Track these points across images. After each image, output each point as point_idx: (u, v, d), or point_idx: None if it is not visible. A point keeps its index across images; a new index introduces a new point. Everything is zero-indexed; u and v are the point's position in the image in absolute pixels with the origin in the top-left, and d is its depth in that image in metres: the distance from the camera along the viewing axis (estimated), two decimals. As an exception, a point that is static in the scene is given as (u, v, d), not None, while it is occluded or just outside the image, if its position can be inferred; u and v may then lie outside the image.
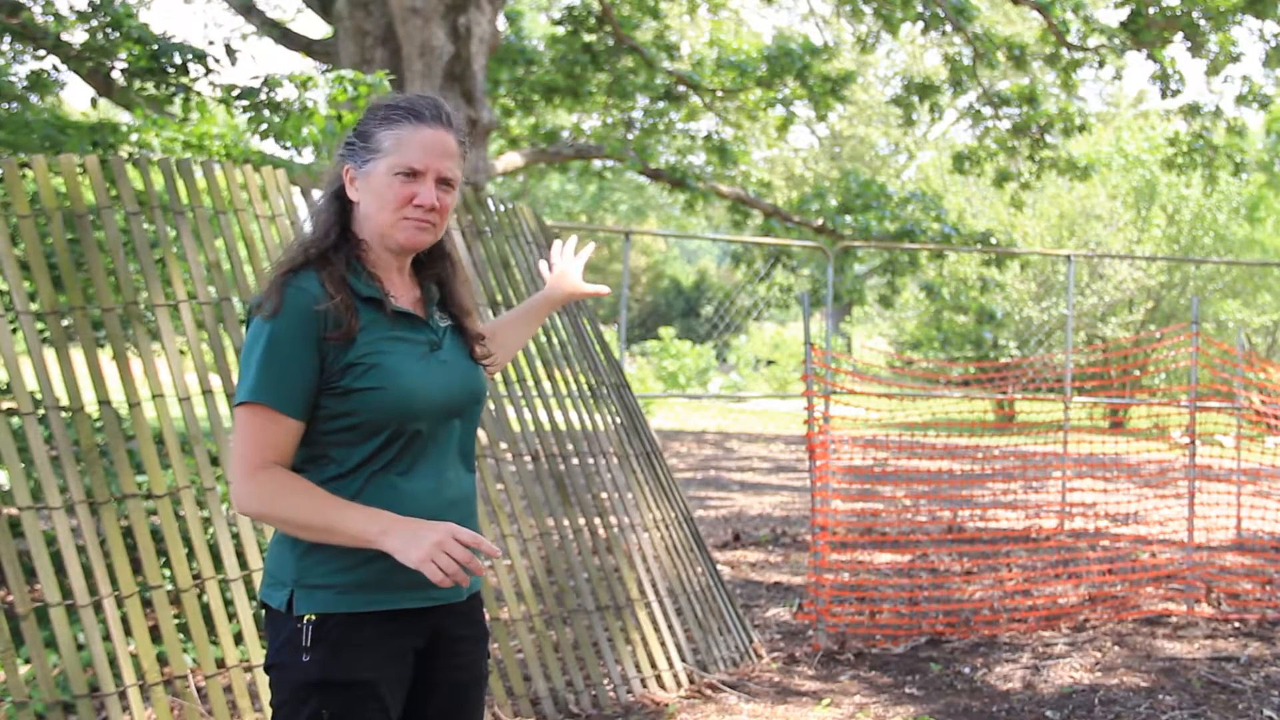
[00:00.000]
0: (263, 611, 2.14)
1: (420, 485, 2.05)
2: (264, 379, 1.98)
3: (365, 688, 2.00)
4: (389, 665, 2.04)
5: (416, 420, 2.03)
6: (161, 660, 3.86)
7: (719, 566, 6.27)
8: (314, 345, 1.99)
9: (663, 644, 4.85)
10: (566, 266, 2.64)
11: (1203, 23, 13.39)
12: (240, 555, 4.01)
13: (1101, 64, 14.91)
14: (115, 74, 6.88)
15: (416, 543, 1.91)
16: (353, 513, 1.96)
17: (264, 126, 5.78)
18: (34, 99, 6.68)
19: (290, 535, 2.03)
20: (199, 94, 6.33)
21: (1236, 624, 6.05)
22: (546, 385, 5.00)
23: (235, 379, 4.05)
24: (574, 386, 5.11)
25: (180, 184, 4.10)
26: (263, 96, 5.96)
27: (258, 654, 3.86)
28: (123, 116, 10.56)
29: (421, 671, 2.11)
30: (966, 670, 5.18)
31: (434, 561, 1.89)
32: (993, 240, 14.92)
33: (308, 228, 2.13)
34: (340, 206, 2.11)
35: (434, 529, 1.93)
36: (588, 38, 14.88)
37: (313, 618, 2.00)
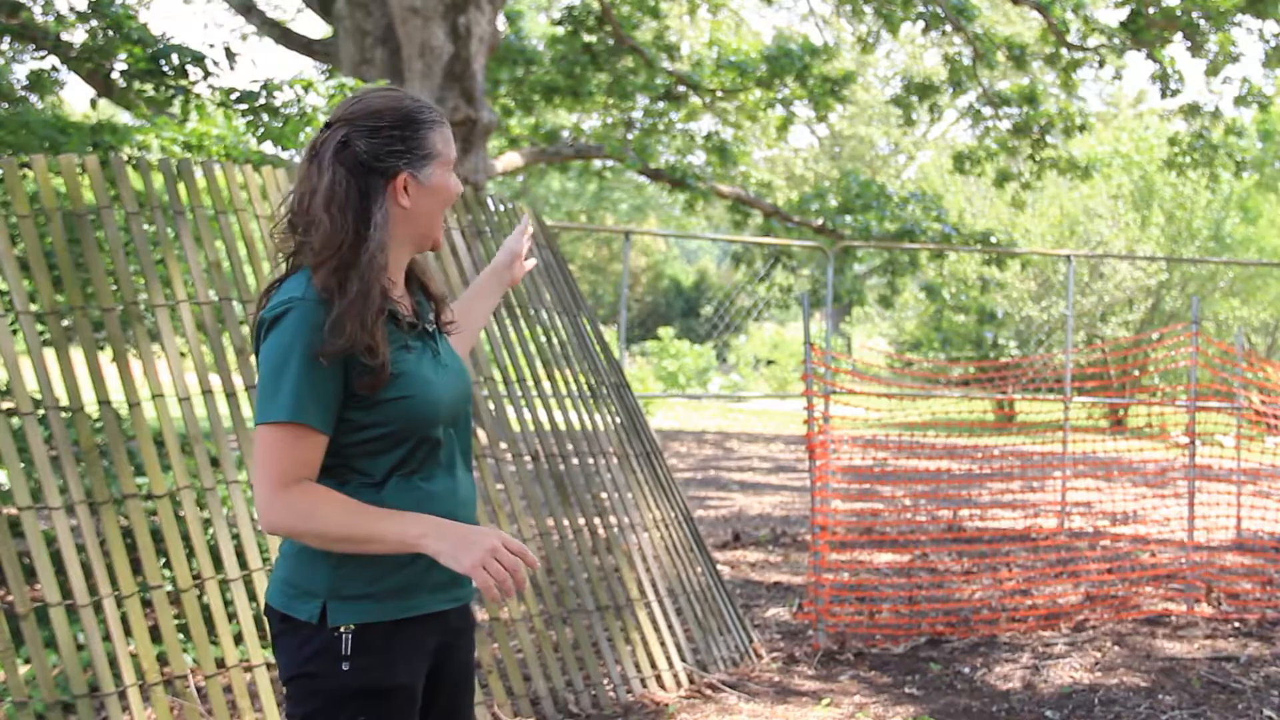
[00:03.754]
0: (266, 618, 2.12)
1: (439, 487, 2.07)
2: (300, 397, 1.93)
3: (404, 691, 2.03)
4: (420, 666, 2.07)
5: (438, 425, 2.05)
6: (161, 660, 3.86)
7: (719, 566, 6.27)
8: (342, 361, 1.96)
9: (662, 644, 4.85)
10: (521, 251, 2.58)
11: (1202, 23, 13.38)
12: (240, 555, 4.01)
13: (1101, 64, 14.91)
14: (115, 75, 6.88)
15: (467, 548, 1.91)
16: (392, 519, 1.96)
17: (262, 130, 5.78)
18: (34, 99, 6.69)
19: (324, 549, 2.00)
20: (198, 96, 6.33)
21: (1236, 624, 6.05)
22: (546, 385, 5.00)
23: (235, 379, 4.07)
24: (574, 386, 5.11)
25: (180, 184, 4.10)
26: (261, 101, 5.97)
27: (257, 654, 3.86)
28: (123, 117, 10.56)
29: (433, 667, 2.14)
30: (966, 670, 5.18)
31: (484, 568, 1.89)
32: (993, 240, 14.91)
33: (373, 237, 2.01)
34: (362, 217, 2.01)
35: (484, 535, 1.93)
36: (588, 38, 14.87)
37: (353, 627, 1.99)
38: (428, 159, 2.05)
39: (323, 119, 5.75)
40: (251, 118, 5.88)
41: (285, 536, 2.00)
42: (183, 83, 6.41)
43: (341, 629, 1.99)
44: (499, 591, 1.90)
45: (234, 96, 6.05)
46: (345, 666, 1.98)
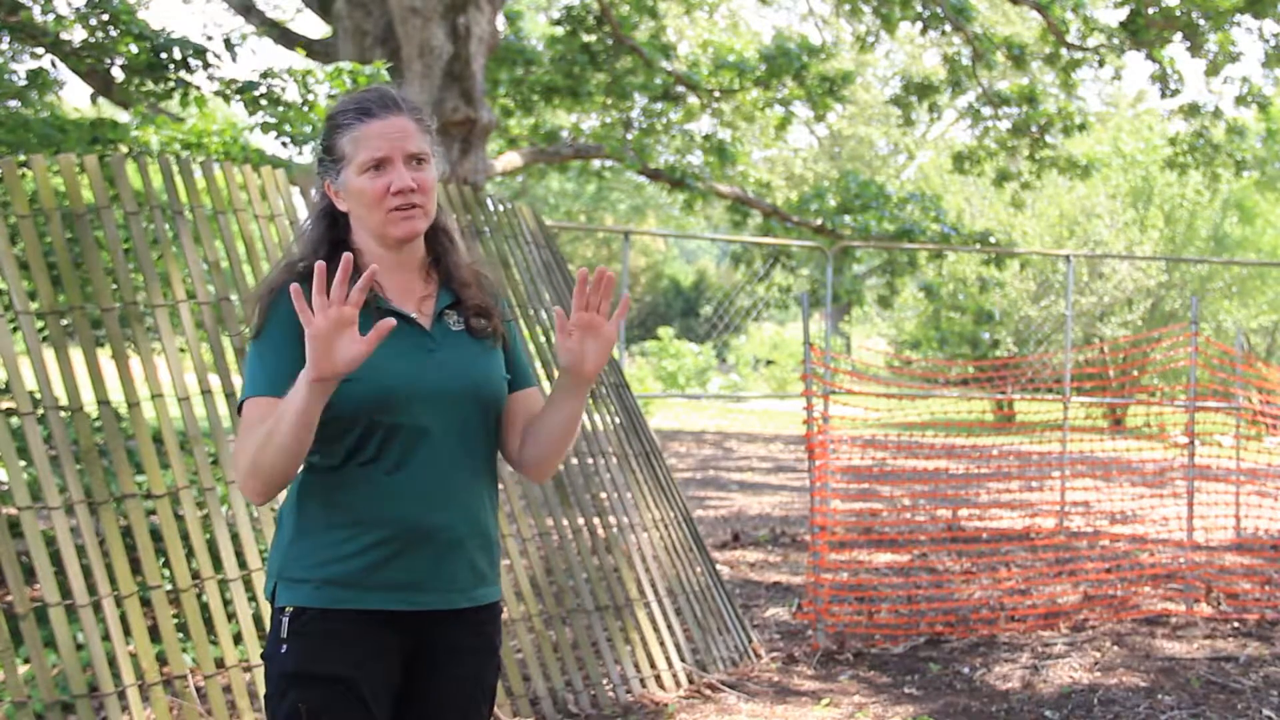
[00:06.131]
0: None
1: (409, 483, 2.03)
2: (255, 375, 2.03)
3: (343, 684, 1.99)
4: (369, 663, 2.02)
5: (391, 414, 2.01)
6: (160, 660, 3.86)
7: (718, 566, 6.27)
8: (299, 338, 1.97)
9: (662, 644, 4.85)
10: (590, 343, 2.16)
11: (1202, 23, 13.37)
12: (239, 555, 4.01)
13: (1101, 64, 14.90)
14: (115, 71, 6.87)
15: (309, 355, 1.84)
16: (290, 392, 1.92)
17: (264, 119, 5.76)
18: (33, 96, 6.67)
19: (290, 516, 2.06)
20: (198, 89, 6.33)
21: (1236, 624, 6.05)
22: (546, 385, 5.00)
23: (235, 379, 4.07)
24: (573, 386, 5.10)
25: (179, 183, 4.10)
26: (262, 90, 5.96)
27: (257, 654, 3.86)
28: (122, 116, 10.56)
29: (416, 678, 2.09)
30: (965, 670, 5.18)
31: (317, 343, 1.82)
32: (992, 240, 14.90)
33: (295, 248, 2.15)
34: (330, 222, 2.13)
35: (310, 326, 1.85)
36: (587, 38, 14.86)
37: (290, 609, 2.02)
38: (339, 164, 2.09)
39: (325, 104, 5.73)
40: (252, 108, 5.88)
41: (263, 497, 2.00)
42: (183, 76, 6.40)
43: (284, 610, 2.03)
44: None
45: (234, 87, 6.06)
46: (283, 649, 2.02)
